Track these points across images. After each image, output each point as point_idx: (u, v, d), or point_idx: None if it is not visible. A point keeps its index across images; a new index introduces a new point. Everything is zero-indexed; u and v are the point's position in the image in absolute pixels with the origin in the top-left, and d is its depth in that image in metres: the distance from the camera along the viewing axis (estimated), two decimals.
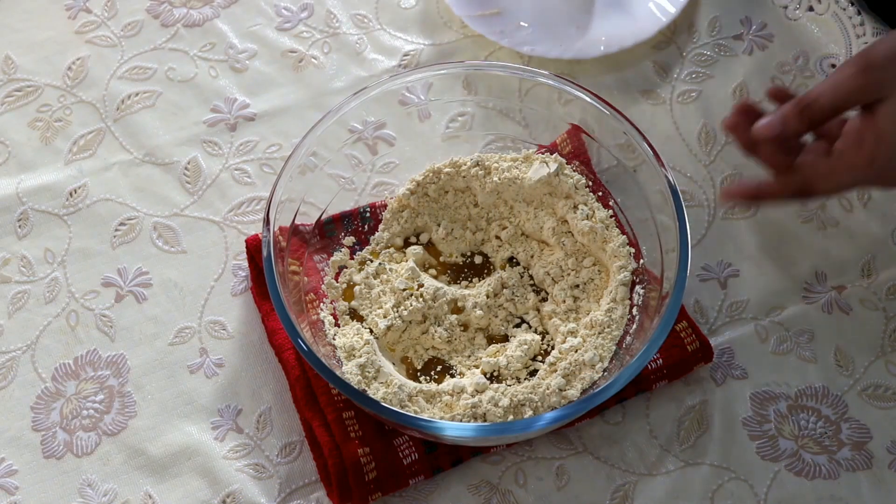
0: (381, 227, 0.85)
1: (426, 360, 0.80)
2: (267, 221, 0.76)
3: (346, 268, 0.84)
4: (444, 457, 0.76)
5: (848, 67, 0.68)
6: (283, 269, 0.76)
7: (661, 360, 0.79)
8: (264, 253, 0.74)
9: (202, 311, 0.84)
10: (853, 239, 0.87)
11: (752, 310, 0.85)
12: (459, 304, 0.81)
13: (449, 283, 0.83)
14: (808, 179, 0.71)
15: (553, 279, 0.82)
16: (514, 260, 0.84)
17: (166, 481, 0.78)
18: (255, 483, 0.78)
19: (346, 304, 0.82)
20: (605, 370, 0.77)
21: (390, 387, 0.76)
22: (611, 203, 0.83)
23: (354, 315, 0.82)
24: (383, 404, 0.71)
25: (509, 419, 0.75)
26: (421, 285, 0.80)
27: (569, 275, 0.82)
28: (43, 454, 0.79)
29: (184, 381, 0.82)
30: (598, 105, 0.80)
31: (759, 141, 0.72)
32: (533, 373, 0.79)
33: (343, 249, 0.84)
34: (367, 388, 0.76)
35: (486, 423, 0.73)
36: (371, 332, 0.80)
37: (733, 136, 0.75)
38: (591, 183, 0.84)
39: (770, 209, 0.87)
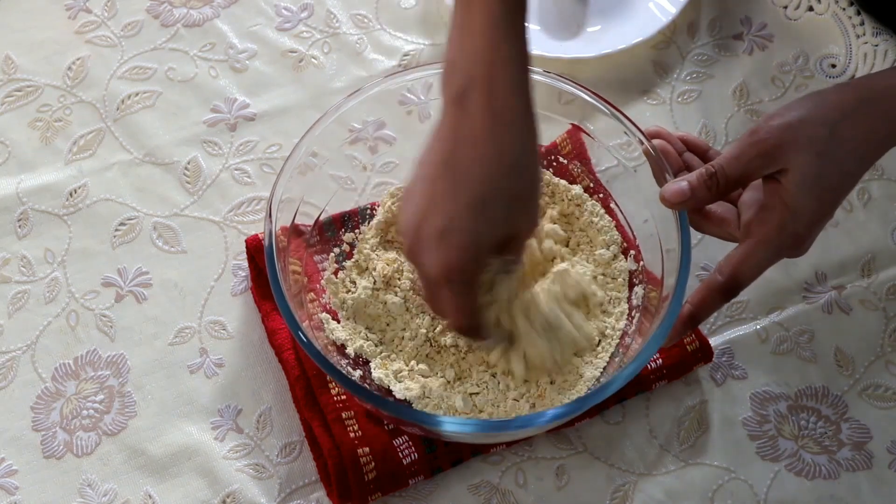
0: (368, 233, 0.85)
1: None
2: (269, 214, 0.75)
3: (344, 268, 0.84)
4: (443, 457, 0.77)
5: (749, 137, 0.69)
6: (283, 266, 0.76)
7: (660, 360, 0.80)
8: (266, 243, 0.74)
9: (202, 311, 0.84)
10: (853, 239, 0.87)
11: (752, 310, 0.85)
12: None
13: None
14: (733, 276, 0.70)
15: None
16: None
17: (166, 481, 0.78)
18: (255, 483, 0.78)
19: (347, 297, 0.82)
20: (603, 369, 0.78)
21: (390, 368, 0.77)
22: (612, 205, 0.83)
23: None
24: (380, 396, 0.71)
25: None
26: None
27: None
28: (43, 454, 0.79)
29: (184, 381, 0.82)
30: (598, 104, 0.80)
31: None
32: None
33: (343, 246, 0.84)
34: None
35: (484, 420, 0.73)
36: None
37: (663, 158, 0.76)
38: (591, 184, 0.84)
39: None
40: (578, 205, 0.84)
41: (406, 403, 0.76)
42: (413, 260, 0.68)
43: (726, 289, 0.70)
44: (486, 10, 0.64)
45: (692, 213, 0.74)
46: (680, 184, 0.71)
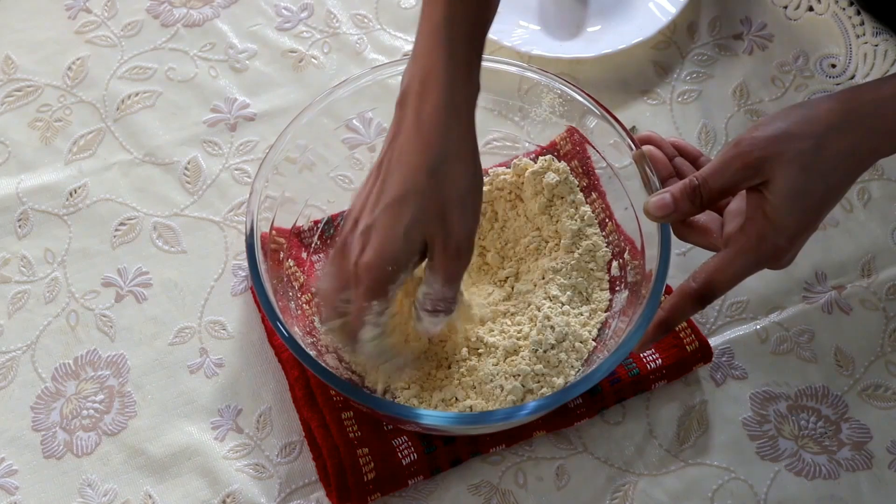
0: None
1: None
2: (250, 200, 0.76)
3: None
4: (443, 457, 0.76)
5: (733, 149, 0.68)
6: (277, 262, 0.76)
7: (660, 360, 0.80)
8: (247, 230, 0.75)
9: (202, 311, 0.84)
10: (853, 239, 0.87)
11: (752, 310, 0.85)
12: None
13: None
14: (707, 284, 0.69)
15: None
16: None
17: (166, 481, 0.78)
18: (255, 483, 0.78)
19: None
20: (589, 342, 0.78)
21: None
22: (609, 202, 0.83)
23: None
24: (358, 388, 0.71)
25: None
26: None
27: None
28: (43, 454, 0.79)
29: (184, 381, 0.82)
30: (592, 106, 0.80)
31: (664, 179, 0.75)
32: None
33: None
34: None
35: (465, 413, 0.74)
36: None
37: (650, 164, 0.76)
38: (585, 182, 0.84)
39: None
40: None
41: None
42: (337, 257, 0.69)
43: (699, 296, 0.70)
44: (431, 14, 0.65)
45: (676, 222, 0.73)
46: (663, 196, 0.70)
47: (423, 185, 0.65)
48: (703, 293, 0.69)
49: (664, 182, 0.74)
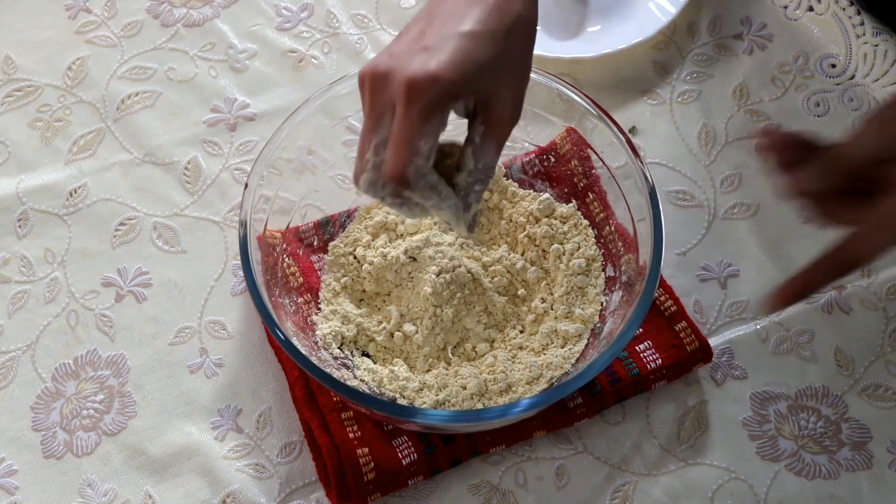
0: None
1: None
2: (243, 201, 0.76)
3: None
4: (442, 457, 0.77)
5: (874, 123, 0.63)
6: (275, 261, 0.76)
7: (660, 360, 0.80)
8: (241, 233, 0.74)
9: (202, 311, 0.84)
10: None
11: (752, 310, 0.85)
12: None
13: None
14: (851, 252, 0.64)
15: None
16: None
17: (166, 481, 0.78)
18: (255, 483, 0.78)
19: (338, 282, 0.82)
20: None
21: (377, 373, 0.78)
22: (608, 202, 0.83)
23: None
24: (349, 386, 0.71)
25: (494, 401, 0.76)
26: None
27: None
28: (43, 454, 0.79)
29: (184, 381, 0.82)
30: (588, 106, 0.80)
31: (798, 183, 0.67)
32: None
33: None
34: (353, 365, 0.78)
35: (458, 410, 0.74)
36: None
37: (771, 158, 0.68)
38: (584, 183, 0.84)
39: (771, 209, 0.88)
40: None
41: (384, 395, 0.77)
42: (377, 78, 0.61)
43: (841, 264, 0.64)
44: None
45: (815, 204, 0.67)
46: (810, 174, 0.64)
47: (498, 38, 0.62)
48: (844, 263, 0.64)
49: (788, 171, 0.67)
